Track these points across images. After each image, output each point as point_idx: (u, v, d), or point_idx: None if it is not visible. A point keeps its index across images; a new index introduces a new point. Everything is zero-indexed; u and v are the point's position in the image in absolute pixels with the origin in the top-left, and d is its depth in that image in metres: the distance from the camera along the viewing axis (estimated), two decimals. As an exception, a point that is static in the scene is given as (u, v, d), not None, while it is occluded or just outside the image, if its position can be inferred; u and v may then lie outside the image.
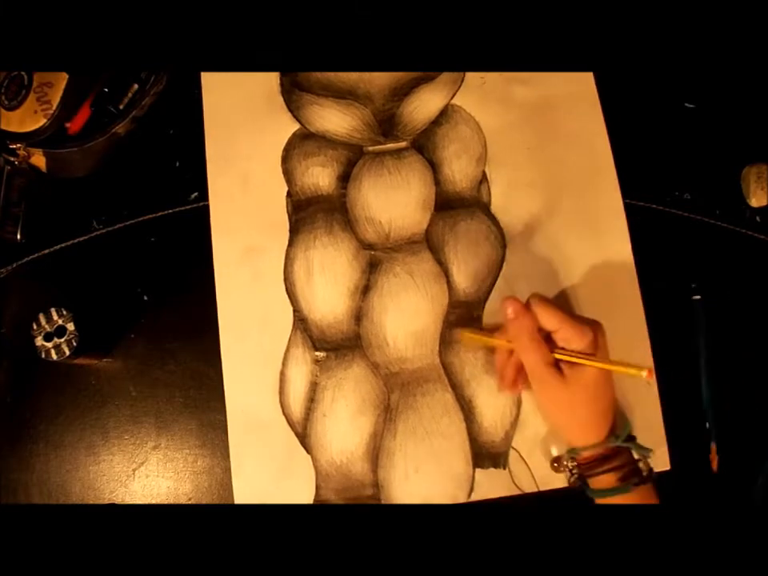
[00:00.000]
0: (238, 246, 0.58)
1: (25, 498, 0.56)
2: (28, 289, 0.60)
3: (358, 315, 0.57)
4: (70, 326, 0.54)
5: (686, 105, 0.61)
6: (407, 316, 0.56)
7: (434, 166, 0.60)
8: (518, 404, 0.55)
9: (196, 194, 0.60)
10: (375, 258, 0.58)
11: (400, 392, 0.55)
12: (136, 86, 0.61)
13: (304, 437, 0.55)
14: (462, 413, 0.55)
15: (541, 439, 0.54)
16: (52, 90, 0.58)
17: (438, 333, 0.56)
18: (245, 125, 0.61)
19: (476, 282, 0.57)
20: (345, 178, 0.60)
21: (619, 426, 0.48)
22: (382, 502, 0.54)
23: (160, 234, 0.60)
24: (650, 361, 0.54)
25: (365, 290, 0.57)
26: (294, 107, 0.61)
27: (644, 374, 0.44)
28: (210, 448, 0.56)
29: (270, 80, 0.62)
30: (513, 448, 0.54)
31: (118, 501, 0.56)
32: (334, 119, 0.61)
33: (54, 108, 0.57)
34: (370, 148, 0.60)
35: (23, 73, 0.58)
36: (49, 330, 0.54)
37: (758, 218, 0.58)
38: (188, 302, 0.58)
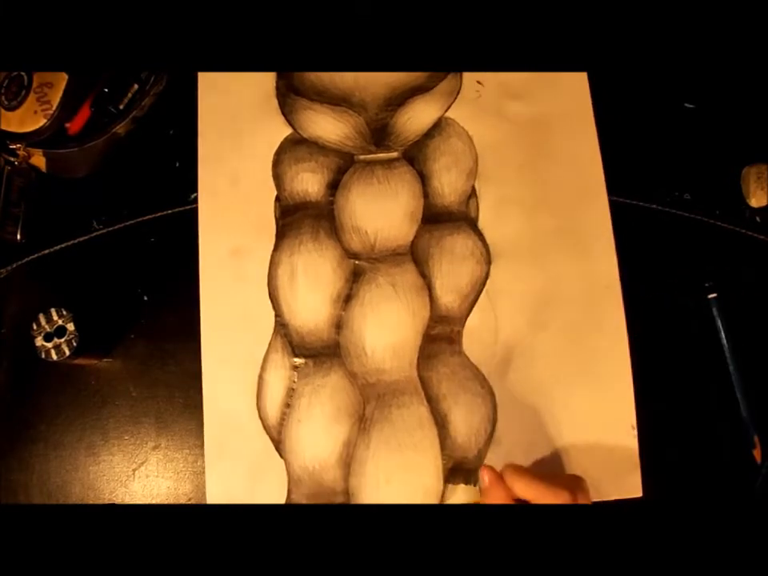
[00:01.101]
0: (224, 246, 0.58)
1: (25, 498, 0.56)
2: (28, 289, 0.60)
3: (339, 324, 0.57)
4: (70, 327, 0.54)
5: (686, 105, 0.61)
6: (387, 327, 0.56)
7: (423, 178, 0.59)
8: (493, 422, 0.54)
9: (196, 194, 0.60)
10: (359, 268, 0.58)
11: (376, 403, 0.55)
12: (136, 87, 0.61)
13: (279, 441, 0.55)
14: (437, 427, 0.54)
15: (514, 458, 0.53)
16: (52, 91, 0.58)
17: (417, 346, 0.56)
18: (238, 126, 0.61)
19: (458, 297, 0.57)
20: (334, 186, 0.59)
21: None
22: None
23: (160, 235, 0.60)
24: (628, 381, 0.54)
25: (347, 298, 0.57)
26: (287, 111, 0.61)
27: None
28: (210, 448, 0.56)
29: (267, 82, 0.62)
30: (485, 465, 0.53)
31: (118, 501, 0.56)
32: (327, 126, 0.61)
33: (54, 108, 0.58)
34: (361, 157, 0.60)
35: (23, 73, 0.58)
36: (49, 330, 0.54)
37: (757, 219, 0.58)
38: (188, 302, 0.58)
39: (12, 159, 0.60)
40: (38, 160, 0.60)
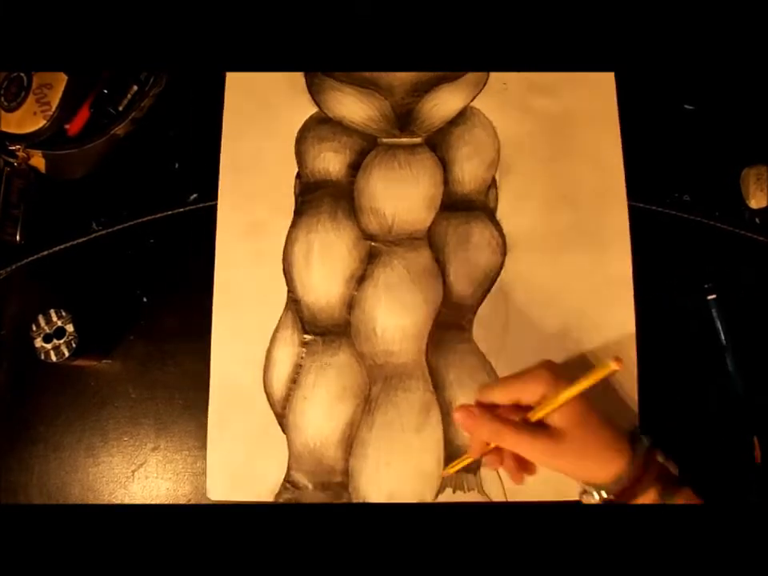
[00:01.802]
0: (243, 220, 0.59)
1: (24, 499, 0.56)
2: (27, 290, 0.60)
3: (351, 303, 0.57)
4: (70, 328, 0.54)
5: (686, 106, 0.61)
6: (399, 310, 0.56)
7: (445, 165, 0.60)
8: None
9: (195, 195, 0.60)
10: (375, 249, 0.58)
11: (382, 385, 0.55)
12: (135, 88, 0.61)
13: (282, 416, 0.55)
14: (441, 414, 0.55)
15: None
16: (51, 92, 0.58)
17: (426, 331, 0.56)
18: (264, 101, 0.61)
19: (471, 286, 0.57)
20: (356, 167, 0.60)
21: (634, 436, 0.46)
22: (350, 490, 0.54)
23: (159, 236, 0.60)
24: (634, 380, 0.54)
25: (360, 279, 0.57)
26: (314, 90, 0.62)
27: (612, 365, 0.40)
28: (209, 449, 0.56)
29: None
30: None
31: (118, 502, 0.56)
32: (353, 107, 0.61)
33: (54, 109, 0.58)
34: (385, 140, 0.60)
35: (23, 74, 0.58)
36: (48, 331, 0.54)
37: (757, 220, 0.58)
38: (188, 303, 0.58)
39: (11, 160, 0.60)
40: (38, 161, 0.60)
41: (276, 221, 0.59)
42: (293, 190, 0.59)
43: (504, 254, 0.57)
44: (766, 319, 0.56)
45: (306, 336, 0.57)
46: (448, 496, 0.54)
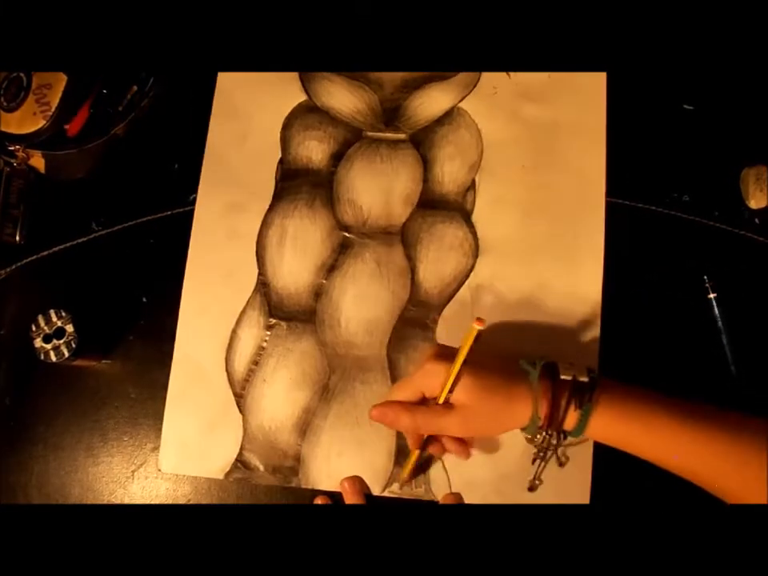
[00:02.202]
0: (221, 200, 0.60)
1: (24, 499, 0.56)
2: (27, 290, 0.60)
3: (318, 292, 0.58)
4: (69, 328, 0.54)
5: (685, 106, 0.61)
6: (365, 303, 0.57)
7: (426, 164, 0.60)
8: None
9: (195, 195, 0.60)
10: (348, 240, 0.58)
11: (341, 375, 0.56)
12: (135, 88, 0.61)
13: (240, 396, 0.56)
14: None
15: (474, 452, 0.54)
16: (51, 92, 0.58)
17: (390, 326, 0.57)
18: (255, 86, 0.62)
19: (440, 285, 0.57)
20: (338, 157, 0.60)
21: (522, 372, 0.47)
22: (300, 476, 0.55)
23: (159, 236, 0.60)
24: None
25: (330, 268, 0.58)
26: (305, 78, 0.62)
27: (475, 326, 0.42)
28: (208, 450, 0.56)
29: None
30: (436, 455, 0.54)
31: (117, 502, 0.56)
32: (342, 98, 0.61)
33: (53, 110, 0.58)
34: (369, 133, 0.61)
35: (22, 74, 0.58)
36: (48, 331, 0.54)
37: (756, 220, 0.58)
38: (187, 303, 0.58)
39: (11, 161, 0.60)
40: (37, 161, 0.60)
41: (254, 203, 0.59)
42: (274, 175, 0.60)
43: (475, 256, 0.58)
44: (766, 318, 0.56)
45: (271, 319, 0.57)
46: (394, 491, 0.54)
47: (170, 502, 0.56)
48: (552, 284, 0.57)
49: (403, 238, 0.58)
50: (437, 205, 0.59)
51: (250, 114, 0.61)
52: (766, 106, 0.60)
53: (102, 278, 0.60)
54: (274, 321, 0.57)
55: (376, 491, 0.54)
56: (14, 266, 0.60)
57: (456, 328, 0.56)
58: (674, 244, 0.58)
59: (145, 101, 0.62)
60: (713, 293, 0.56)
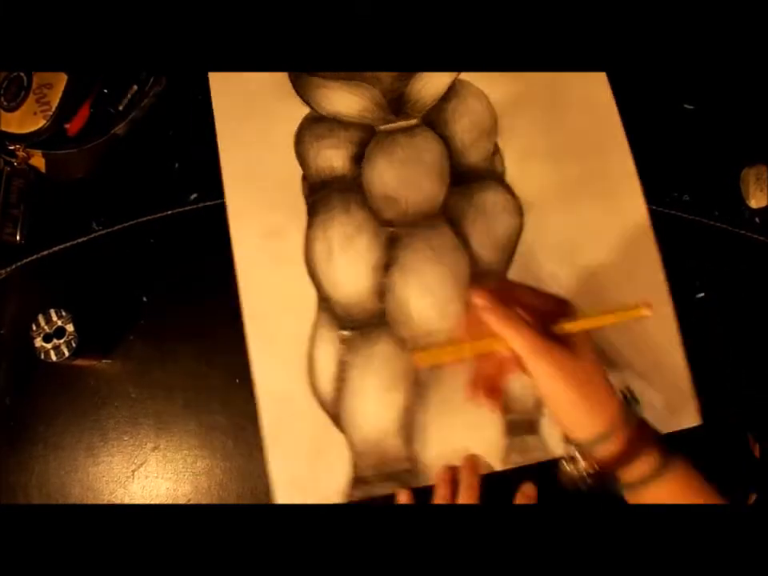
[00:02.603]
0: (256, 231, 0.58)
1: (24, 499, 0.56)
2: (27, 290, 0.60)
3: (382, 292, 0.57)
4: (69, 327, 0.54)
5: (686, 106, 0.61)
6: (430, 289, 0.57)
7: (446, 141, 0.60)
8: None
9: (195, 195, 0.60)
10: (395, 235, 0.58)
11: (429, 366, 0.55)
12: (135, 87, 0.61)
13: (336, 416, 0.55)
14: None
15: None
16: (51, 92, 0.58)
17: (461, 303, 0.56)
18: (255, 112, 0.61)
19: (496, 252, 0.57)
20: (359, 158, 0.60)
21: (627, 398, 0.45)
22: (419, 476, 0.54)
23: (159, 236, 0.60)
24: (671, 317, 0.55)
25: (386, 266, 0.58)
26: (303, 91, 0.62)
27: (644, 310, 0.40)
28: (209, 449, 0.56)
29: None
30: (544, 414, 0.54)
31: (118, 502, 0.56)
32: (344, 101, 0.61)
33: (54, 109, 0.58)
34: (382, 127, 0.61)
35: (23, 74, 0.58)
36: (48, 331, 0.54)
37: (757, 220, 0.58)
38: (187, 303, 0.58)
39: (11, 160, 0.60)
40: (38, 161, 0.60)
41: (291, 225, 0.58)
42: (301, 192, 0.59)
43: (521, 214, 0.58)
44: (765, 318, 0.56)
45: (343, 332, 0.56)
46: (514, 461, 0.54)
47: (170, 501, 0.56)
48: (598, 218, 0.57)
49: (447, 218, 0.58)
50: (469, 177, 0.59)
51: (260, 139, 0.60)
52: (767, 106, 0.60)
53: (103, 277, 0.60)
54: (346, 333, 0.56)
55: (498, 467, 0.54)
56: (14, 266, 0.60)
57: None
58: (673, 243, 0.58)
59: (145, 100, 0.62)
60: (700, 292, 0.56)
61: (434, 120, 0.61)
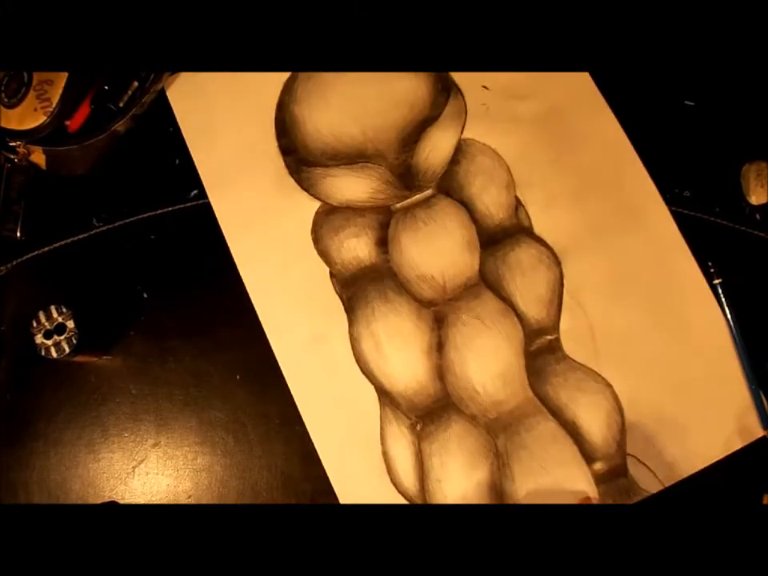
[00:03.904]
0: (298, 341, 0.57)
1: (24, 496, 0.56)
2: (27, 286, 0.60)
3: (441, 373, 0.56)
4: (70, 324, 0.54)
5: (686, 102, 0.61)
6: (488, 360, 0.56)
7: (466, 206, 0.59)
8: (620, 411, 0.54)
9: (196, 191, 0.60)
10: (439, 313, 0.57)
11: (504, 435, 0.55)
12: (136, 84, 0.61)
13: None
14: (571, 437, 0.54)
15: (650, 436, 0.54)
16: (52, 88, 0.58)
17: (522, 367, 0.56)
18: (264, 221, 0.59)
19: (544, 307, 0.57)
20: (383, 243, 0.58)
21: None
22: None
23: (160, 232, 0.60)
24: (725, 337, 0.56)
25: (438, 346, 0.56)
26: (308, 185, 0.60)
27: None
28: (209, 446, 0.56)
29: (274, 163, 0.60)
30: (629, 454, 0.53)
31: (118, 498, 0.56)
32: (353, 186, 0.59)
33: (54, 106, 0.57)
34: (398, 205, 0.59)
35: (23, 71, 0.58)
36: (48, 327, 0.54)
37: (757, 216, 0.58)
38: (188, 299, 0.58)
39: (12, 157, 0.60)
40: (38, 157, 0.60)
41: (332, 328, 0.57)
42: (333, 290, 0.58)
43: (559, 263, 0.57)
44: (766, 315, 0.56)
45: (412, 423, 0.56)
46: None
47: (171, 498, 0.56)
48: (634, 246, 0.57)
49: (487, 283, 0.57)
50: (498, 237, 0.58)
51: (276, 249, 0.58)
52: (767, 103, 0.60)
53: (103, 273, 0.60)
54: (415, 423, 0.55)
55: (593, 495, 0.53)
56: (14, 262, 0.60)
57: (579, 335, 0.56)
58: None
59: (146, 96, 0.61)
60: (717, 278, 0.56)
61: (449, 186, 0.59)
